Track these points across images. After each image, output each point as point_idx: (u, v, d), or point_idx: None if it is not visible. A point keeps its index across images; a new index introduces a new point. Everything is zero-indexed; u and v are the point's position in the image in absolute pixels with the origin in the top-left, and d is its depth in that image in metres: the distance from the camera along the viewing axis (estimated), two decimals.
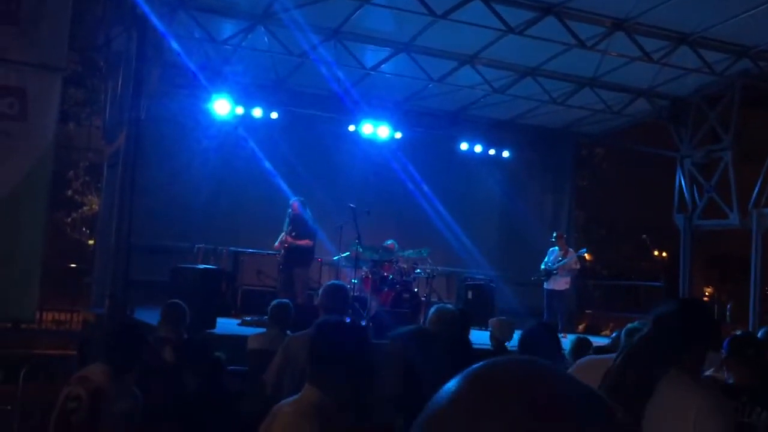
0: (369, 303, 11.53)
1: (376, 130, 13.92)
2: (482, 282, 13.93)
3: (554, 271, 12.38)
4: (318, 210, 11.23)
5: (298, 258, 10.70)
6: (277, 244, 10.84)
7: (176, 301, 6.03)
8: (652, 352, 2.54)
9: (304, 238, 10.60)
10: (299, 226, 10.64)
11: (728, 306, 15.60)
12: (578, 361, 3.17)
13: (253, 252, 12.75)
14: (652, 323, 2.64)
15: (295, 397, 2.70)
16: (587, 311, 17.74)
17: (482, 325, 10.52)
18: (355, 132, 14.05)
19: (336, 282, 5.17)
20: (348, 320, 3.10)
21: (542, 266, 12.55)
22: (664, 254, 26.03)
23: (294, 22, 11.11)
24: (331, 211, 11.84)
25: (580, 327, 14.75)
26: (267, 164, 13.01)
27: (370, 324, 9.71)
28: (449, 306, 5.75)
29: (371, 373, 2.68)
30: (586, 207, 21.33)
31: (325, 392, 2.60)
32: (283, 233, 10.82)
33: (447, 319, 5.06)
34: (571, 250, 12.72)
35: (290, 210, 10.75)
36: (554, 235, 12.80)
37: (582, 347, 5.47)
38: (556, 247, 12.60)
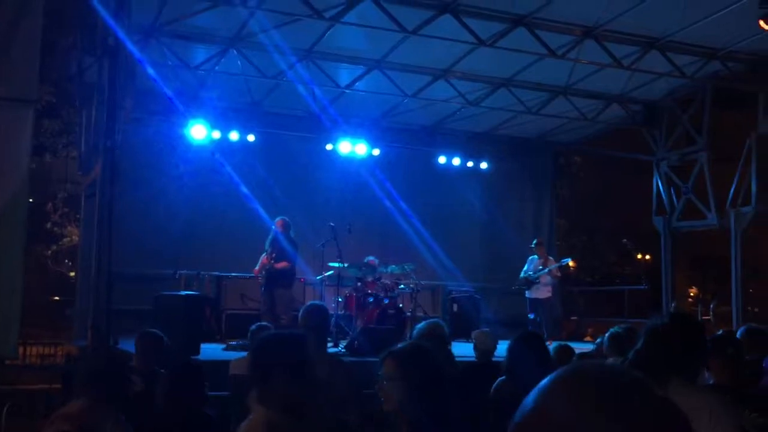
0: (354, 321, 11.48)
1: (354, 147, 13.95)
2: (467, 294, 13.94)
3: (535, 280, 12.39)
4: (298, 231, 11.21)
5: (278, 280, 10.71)
6: (257, 268, 10.86)
7: (148, 330, 5.96)
8: (650, 365, 2.61)
9: (281, 261, 10.62)
10: (277, 248, 10.68)
11: (711, 306, 15.65)
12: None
13: (235, 276, 12.69)
14: (644, 336, 2.75)
15: (247, 420, 2.71)
16: (572, 318, 17.75)
17: (467, 337, 10.49)
18: (333, 151, 14.06)
19: (314, 302, 5.13)
20: (285, 333, 3.09)
21: (522, 275, 12.57)
22: (647, 257, 26.13)
23: (268, 43, 11.13)
24: (312, 231, 11.81)
25: (564, 334, 14.76)
26: (244, 188, 12.97)
27: (355, 342, 9.67)
28: (438, 321, 5.73)
29: (312, 382, 2.72)
30: (567, 215, 21.40)
31: (271, 408, 2.62)
32: (264, 253, 10.81)
33: (432, 334, 5.04)
34: (551, 258, 12.74)
35: (274, 227, 10.78)
36: (534, 243, 12.82)
37: (564, 354, 5.45)
38: (536, 256, 12.62)
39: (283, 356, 2.71)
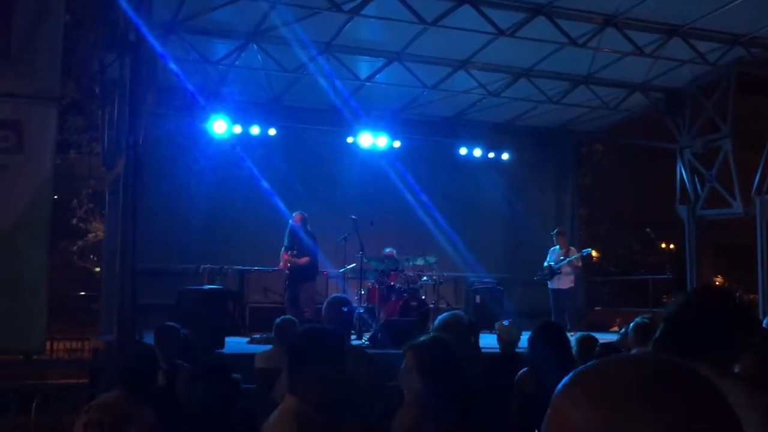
0: (378, 313, 11.52)
1: (375, 140, 13.96)
2: (490, 286, 13.91)
3: (557, 270, 12.36)
4: (319, 224, 11.29)
5: (301, 274, 10.84)
6: (281, 264, 10.93)
7: (167, 324, 6.01)
8: (670, 353, 2.22)
9: (302, 256, 10.71)
10: (296, 243, 10.82)
11: (738, 294, 15.50)
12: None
13: (258, 269, 12.78)
14: (662, 323, 2.43)
15: (277, 410, 2.82)
16: (596, 308, 17.66)
17: (491, 328, 10.45)
18: (353, 144, 14.08)
19: (336, 295, 5.15)
20: (325, 328, 3.15)
21: (545, 265, 12.55)
22: (671, 246, 25.91)
23: (288, 36, 11.15)
24: (333, 225, 11.86)
25: (587, 324, 14.71)
26: (265, 183, 13.00)
27: (379, 334, 9.69)
28: (459, 313, 5.70)
29: (343, 376, 2.84)
30: (589, 204, 21.26)
31: (301, 398, 2.73)
32: (282, 248, 10.89)
33: (453, 326, 5.02)
34: (572, 248, 12.70)
35: (291, 221, 10.84)
36: (554, 232, 12.77)
37: (586, 345, 5.42)
38: (558, 246, 12.58)
39: (322, 349, 2.78)
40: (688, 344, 2.30)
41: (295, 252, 10.70)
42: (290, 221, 10.99)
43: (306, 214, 11.01)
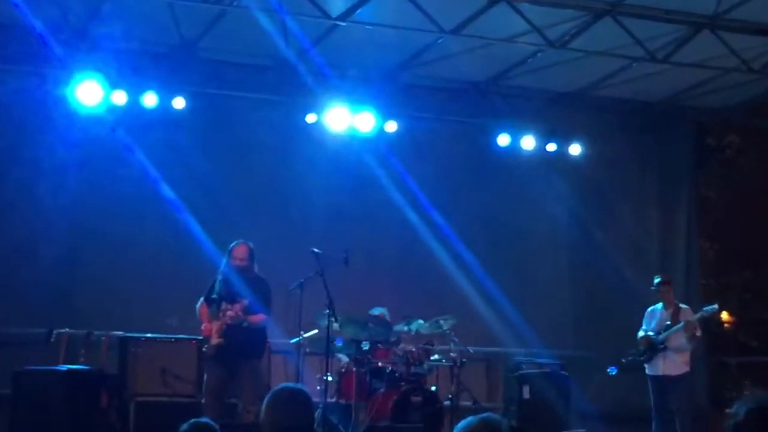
0: (354, 414, 11.57)
1: (353, 119, 14.05)
2: (547, 370, 13.97)
3: (661, 345, 12.43)
4: (258, 261, 11.30)
5: (249, 343, 10.94)
6: (207, 325, 10.96)
7: None
8: None
9: (258, 312, 10.77)
10: (252, 289, 10.86)
11: None
12: None
13: (152, 338, 12.75)
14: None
15: None
16: (729, 408, 17.76)
17: None
18: (317, 124, 14.18)
19: (287, 386, 5.20)
20: None
21: (639, 336, 12.62)
22: None
23: None
24: (283, 262, 11.93)
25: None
26: (167, 188, 13.09)
27: None
28: (493, 418, 5.78)
29: None
30: (717, 232, 21.33)
31: None
32: (202, 301, 10.95)
33: None
34: (685, 307, 12.77)
35: (230, 260, 10.94)
36: (656, 282, 12.85)
37: None
38: (660, 304, 12.66)
39: None
40: None
41: (246, 304, 10.75)
42: (226, 259, 10.99)
43: (253, 247, 11.07)
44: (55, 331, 12.27)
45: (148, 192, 13.35)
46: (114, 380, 12.20)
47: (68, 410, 9.24)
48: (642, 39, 13.48)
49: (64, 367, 10.09)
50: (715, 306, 14.01)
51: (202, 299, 11.09)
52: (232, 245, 11.07)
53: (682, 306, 12.79)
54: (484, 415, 5.45)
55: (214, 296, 10.97)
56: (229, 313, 10.76)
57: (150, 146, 13.58)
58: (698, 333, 12.78)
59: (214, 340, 10.85)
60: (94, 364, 11.68)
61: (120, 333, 12.77)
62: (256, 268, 11.09)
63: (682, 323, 12.41)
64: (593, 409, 13.53)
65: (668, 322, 12.51)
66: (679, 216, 16.83)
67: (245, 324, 10.80)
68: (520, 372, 13.91)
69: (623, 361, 12.87)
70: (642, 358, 12.61)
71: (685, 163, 17.02)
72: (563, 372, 13.96)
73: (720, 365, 18.69)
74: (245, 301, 10.76)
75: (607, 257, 15.69)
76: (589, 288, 15.91)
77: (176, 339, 12.30)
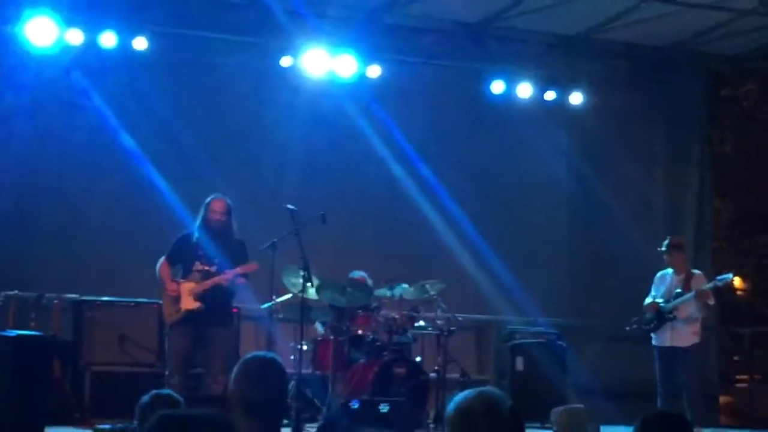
0: (331, 386, 11.60)
1: (333, 63, 14.03)
2: (543, 340, 14.04)
3: (669, 314, 12.44)
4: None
5: (223, 309, 11.06)
6: (174, 285, 10.94)
7: None
8: None
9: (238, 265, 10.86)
10: (231, 249, 10.92)
11: None
12: None
13: (109, 301, 12.75)
14: None
15: None
16: (738, 383, 17.81)
17: (542, 419, 10.64)
18: (294, 68, 14.15)
19: (258, 355, 5.20)
20: (217, 418, 3.24)
21: (646, 302, 12.69)
22: None
23: None
24: (254, 220, 11.92)
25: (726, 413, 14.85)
26: (127, 138, 13.06)
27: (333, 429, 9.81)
28: (491, 392, 5.76)
29: None
30: (732, 192, 21.37)
31: None
32: (180, 263, 11.03)
33: (481, 418, 5.04)
34: (697, 273, 12.78)
35: (206, 216, 10.95)
36: (665, 244, 12.85)
37: None
38: (670, 270, 12.67)
39: None
40: None
41: (213, 267, 10.85)
42: (202, 215, 10.97)
43: (231, 203, 11.10)
44: (2, 294, 12.27)
45: (106, 141, 13.33)
46: (68, 347, 12.25)
47: (17, 380, 9.19)
48: None
49: (13, 333, 10.05)
50: (730, 275, 14.05)
51: (163, 258, 11.06)
52: (208, 199, 11.04)
53: (695, 272, 12.79)
54: (483, 389, 5.38)
55: (184, 254, 11.01)
56: (224, 276, 10.80)
57: (108, 91, 13.55)
58: (711, 302, 12.79)
59: (188, 304, 10.83)
60: (45, 329, 11.67)
61: (74, 296, 12.85)
62: (234, 227, 11.09)
63: (693, 292, 12.41)
64: (593, 383, 13.53)
65: (678, 290, 12.50)
66: (690, 173, 16.84)
67: (232, 288, 10.94)
68: (513, 342, 14.02)
69: (627, 329, 12.89)
70: (648, 327, 12.62)
71: (697, 115, 17.01)
72: (560, 342, 14.03)
73: (733, 337, 18.76)
74: (238, 269, 10.82)
75: (611, 217, 15.66)
76: (589, 250, 15.93)
77: (136, 303, 12.32)
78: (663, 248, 12.82)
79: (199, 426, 3.02)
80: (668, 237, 13.19)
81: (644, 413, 4.96)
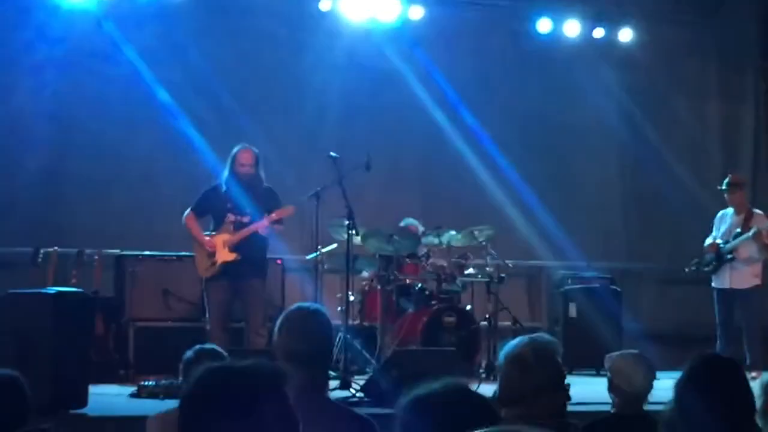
0: (380, 337, 11.55)
1: (374, 6, 13.93)
2: (596, 285, 13.95)
3: (729, 255, 12.33)
4: (266, 168, 11.26)
5: (260, 260, 11.09)
6: (209, 238, 10.95)
7: None
8: None
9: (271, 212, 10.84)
10: (263, 199, 10.93)
11: None
12: None
13: (152, 256, 12.76)
14: None
15: None
16: None
17: (597, 366, 10.52)
18: (333, 12, 14.08)
19: (302, 306, 5.10)
20: (267, 367, 3.15)
21: (706, 244, 12.51)
22: None
23: None
24: (295, 169, 11.85)
25: None
26: (162, 91, 13.01)
27: (383, 380, 9.68)
28: (543, 338, 5.68)
29: None
30: None
31: None
32: (210, 214, 11.04)
33: (534, 364, 4.94)
34: (759, 212, 12.64)
35: (233, 167, 10.96)
36: (725, 182, 12.72)
37: None
38: (730, 209, 12.54)
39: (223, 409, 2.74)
40: None
41: (246, 217, 10.81)
42: (229, 166, 10.98)
43: (258, 152, 11.04)
44: (42, 251, 12.23)
45: (141, 94, 13.21)
46: (110, 304, 12.27)
47: (59, 338, 9.11)
48: None
49: (53, 290, 9.97)
50: None
51: (189, 210, 11.13)
52: (234, 150, 11.05)
53: (756, 211, 12.65)
54: (535, 335, 5.35)
55: (213, 207, 11.04)
56: (261, 223, 10.82)
57: (142, 42, 13.42)
58: None
59: (224, 256, 10.87)
60: (87, 286, 11.58)
61: (115, 251, 12.89)
62: (263, 176, 11.07)
63: (752, 231, 12.28)
64: (648, 327, 13.41)
65: (738, 230, 12.40)
66: (745, 111, 16.67)
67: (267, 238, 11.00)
68: (566, 288, 14.01)
69: (686, 270, 12.78)
70: (707, 268, 12.53)
71: (751, 51, 16.76)
72: (614, 287, 13.94)
73: None
74: (273, 214, 10.83)
75: (663, 158, 15.54)
76: (641, 193, 15.84)
77: (178, 257, 12.27)
78: (723, 186, 12.72)
79: (248, 376, 2.92)
80: (729, 175, 13.06)
81: (693, 356, 4.83)
